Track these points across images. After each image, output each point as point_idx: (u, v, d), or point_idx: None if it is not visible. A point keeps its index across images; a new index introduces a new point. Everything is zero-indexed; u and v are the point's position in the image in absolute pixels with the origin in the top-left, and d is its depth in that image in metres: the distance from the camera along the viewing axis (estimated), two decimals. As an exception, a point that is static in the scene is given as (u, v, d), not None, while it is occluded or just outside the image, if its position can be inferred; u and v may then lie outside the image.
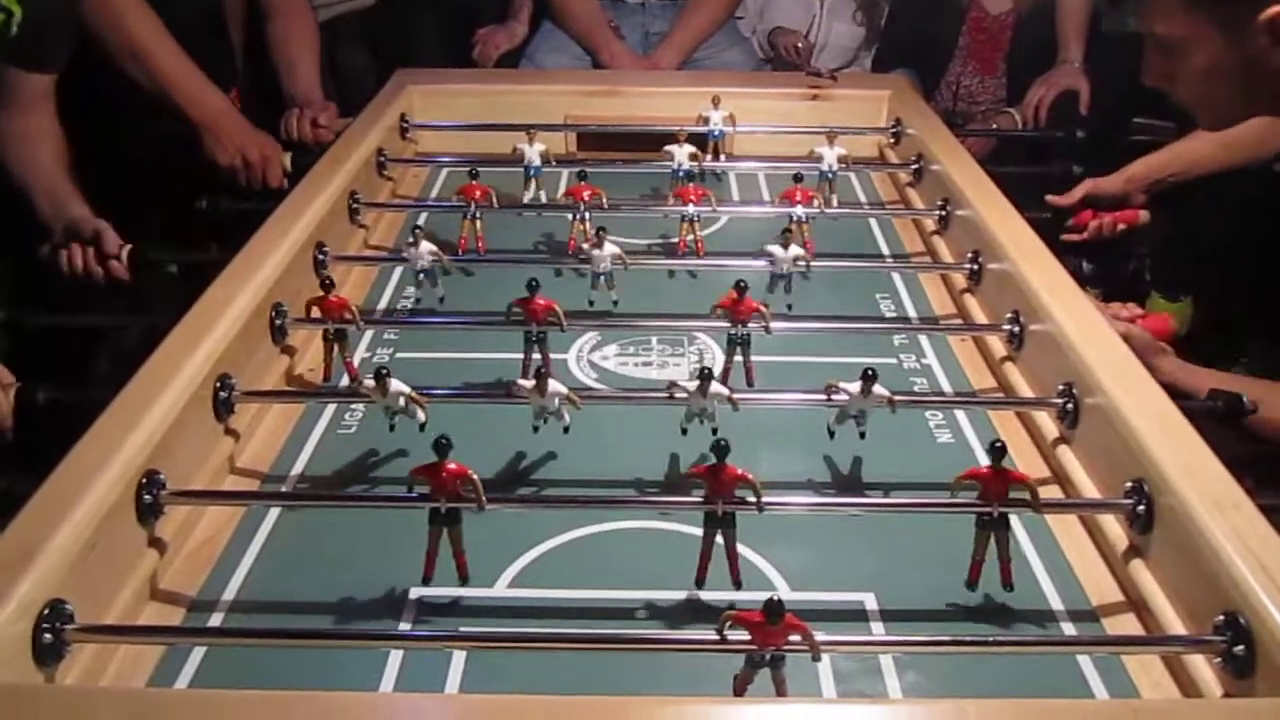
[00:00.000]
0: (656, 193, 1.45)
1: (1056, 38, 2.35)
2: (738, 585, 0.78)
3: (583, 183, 1.29)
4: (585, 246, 1.15)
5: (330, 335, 1.05)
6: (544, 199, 1.38)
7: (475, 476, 0.75)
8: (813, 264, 1.17)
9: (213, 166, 1.68)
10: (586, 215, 1.27)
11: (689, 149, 1.38)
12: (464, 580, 0.78)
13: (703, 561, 0.78)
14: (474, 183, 1.32)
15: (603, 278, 1.13)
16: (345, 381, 1.06)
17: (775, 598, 0.64)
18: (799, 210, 1.28)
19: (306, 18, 1.98)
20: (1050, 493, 0.94)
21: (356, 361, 1.11)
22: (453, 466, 0.75)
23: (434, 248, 1.15)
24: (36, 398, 1.04)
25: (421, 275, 1.16)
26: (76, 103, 1.58)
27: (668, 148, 1.39)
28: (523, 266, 1.29)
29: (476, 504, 0.76)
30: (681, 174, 1.38)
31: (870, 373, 0.88)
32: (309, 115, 1.80)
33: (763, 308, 1.01)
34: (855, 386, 0.89)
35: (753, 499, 0.76)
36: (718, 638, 0.67)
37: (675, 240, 1.30)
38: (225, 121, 1.68)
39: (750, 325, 1.01)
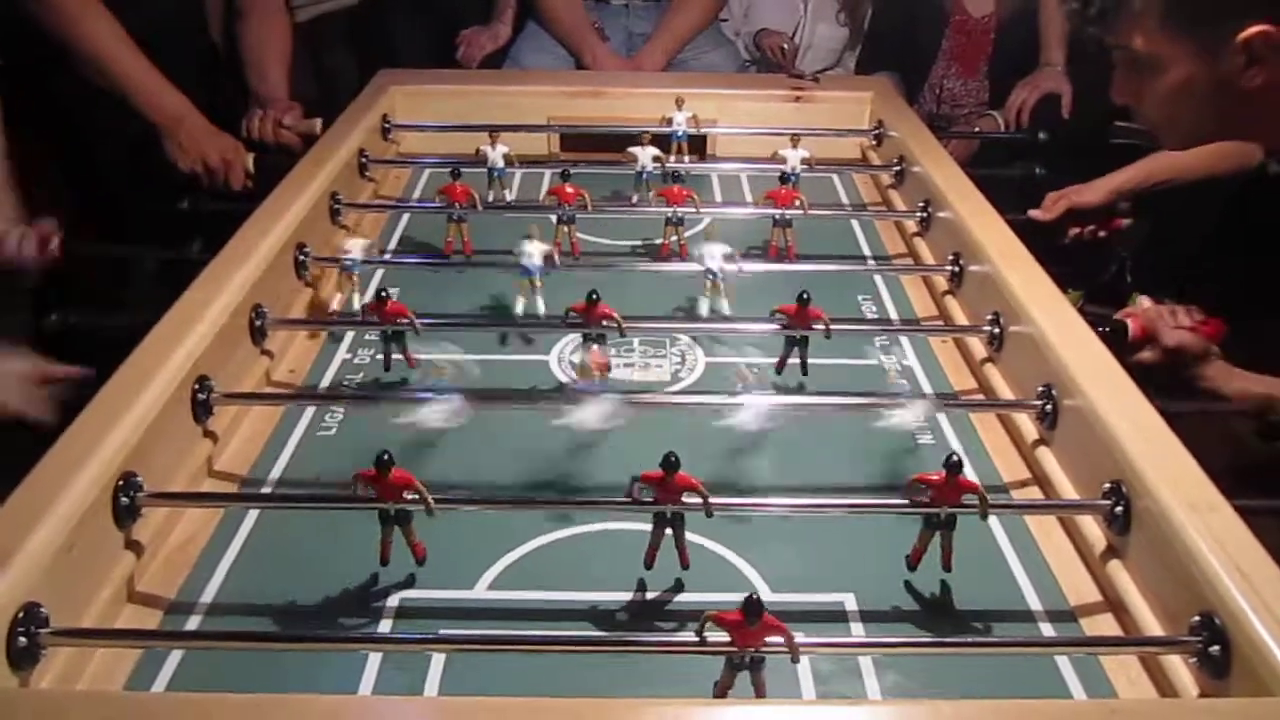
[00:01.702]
0: (618, 195, 1.44)
1: (1039, 41, 2.36)
2: (685, 566, 0.80)
3: (566, 183, 1.29)
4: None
5: (389, 335, 1.05)
6: (508, 198, 1.38)
7: (419, 483, 0.77)
8: (795, 266, 1.18)
9: (173, 169, 1.67)
10: (571, 218, 1.27)
11: (652, 150, 1.39)
12: (420, 562, 0.80)
13: (650, 553, 0.79)
14: (456, 183, 1.32)
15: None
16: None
17: (754, 596, 0.64)
18: (782, 212, 1.28)
19: (279, 17, 1.96)
20: (1029, 494, 0.94)
21: (337, 361, 1.12)
22: (396, 475, 0.77)
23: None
24: None
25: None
26: (51, 101, 1.57)
27: (631, 149, 1.39)
28: (508, 269, 1.29)
29: (425, 508, 0.77)
30: (645, 175, 1.38)
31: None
32: (272, 116, 1.79)
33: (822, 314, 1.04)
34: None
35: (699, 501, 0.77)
36: (697, 639, 0.67)
37: (659, 242, 1.30)
38: (186, 125, 1.67)
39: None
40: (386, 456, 0.76)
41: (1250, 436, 1.09)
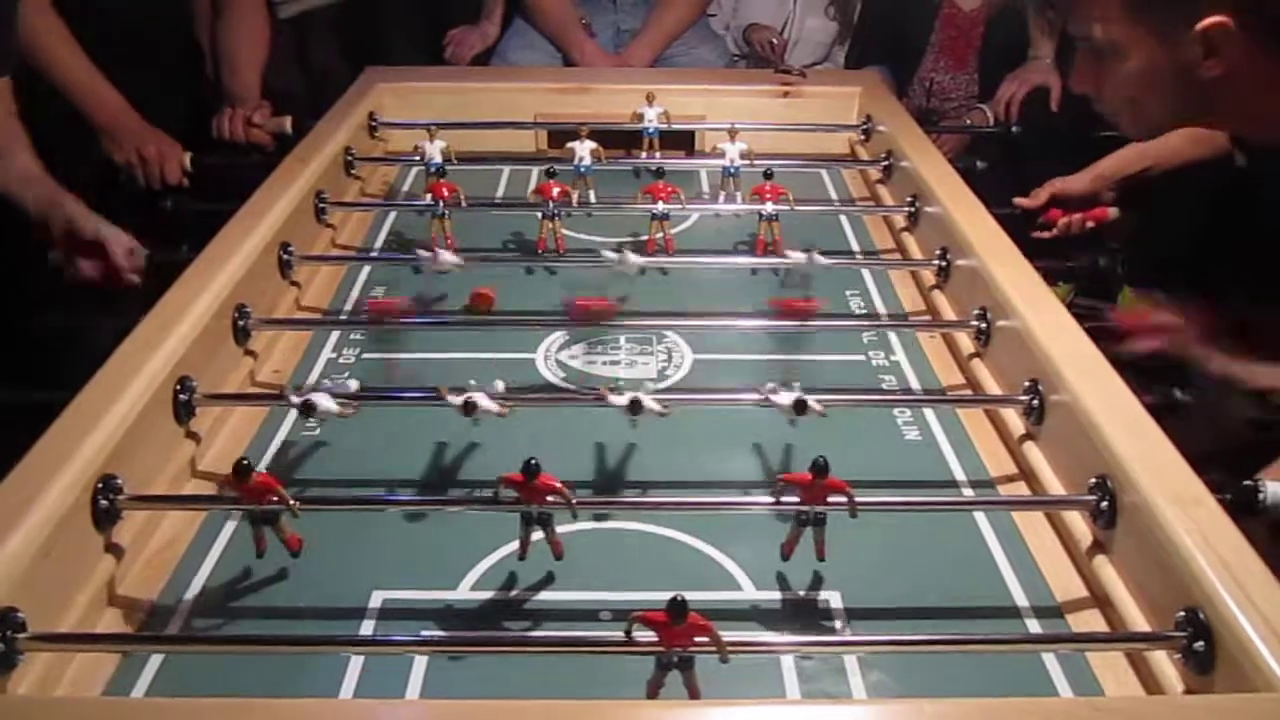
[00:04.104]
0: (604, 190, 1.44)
1: (1028, 34, 2.36)
2: (559, 557, 0.80)
3: (552, 180, 1.29)
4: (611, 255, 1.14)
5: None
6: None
7: (281, 487, 0.77)
8: (783, 258, 1.18)
9: (111, 164, 1.67)
10: (557, 214, 1.27)
11: (590, 145, 1.38)
12: (295, 554, 0.80)
13: (523, 547, 0.79)
14: (442, 181, 1.31)
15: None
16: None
17: (679, 597, 0.64)
18: (769, 207, 1.28)
19: (258, 16, 1.94)
20: (1016, 489, 0.94)
21: (322, 360, 1.11)
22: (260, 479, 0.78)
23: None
24: None
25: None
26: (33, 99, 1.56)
27: (570, 144, 1.39)
28: (493, 265, 1.28)
29: (289, 510, 0.78)
30: (583, 170, 1.37)
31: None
32: (242, 114, 1.78)
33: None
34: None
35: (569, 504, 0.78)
36: (626, 638, 0.67)
37: (645, 238, 1.29)
38: (123, 121, 1.67)
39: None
40: (245, 461, 0.77)
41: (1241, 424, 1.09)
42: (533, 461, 0.77)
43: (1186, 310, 1.21)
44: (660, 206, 1.27)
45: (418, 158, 1.41)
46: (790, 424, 0.90)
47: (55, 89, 1.63)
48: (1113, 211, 1.59)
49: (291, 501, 0.78)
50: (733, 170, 1.39)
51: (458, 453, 0.96)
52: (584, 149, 1.37)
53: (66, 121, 1.66)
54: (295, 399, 0.88)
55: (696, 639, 0.66)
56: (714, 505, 0.89)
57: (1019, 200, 1.56)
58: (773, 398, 0.89)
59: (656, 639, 0.66)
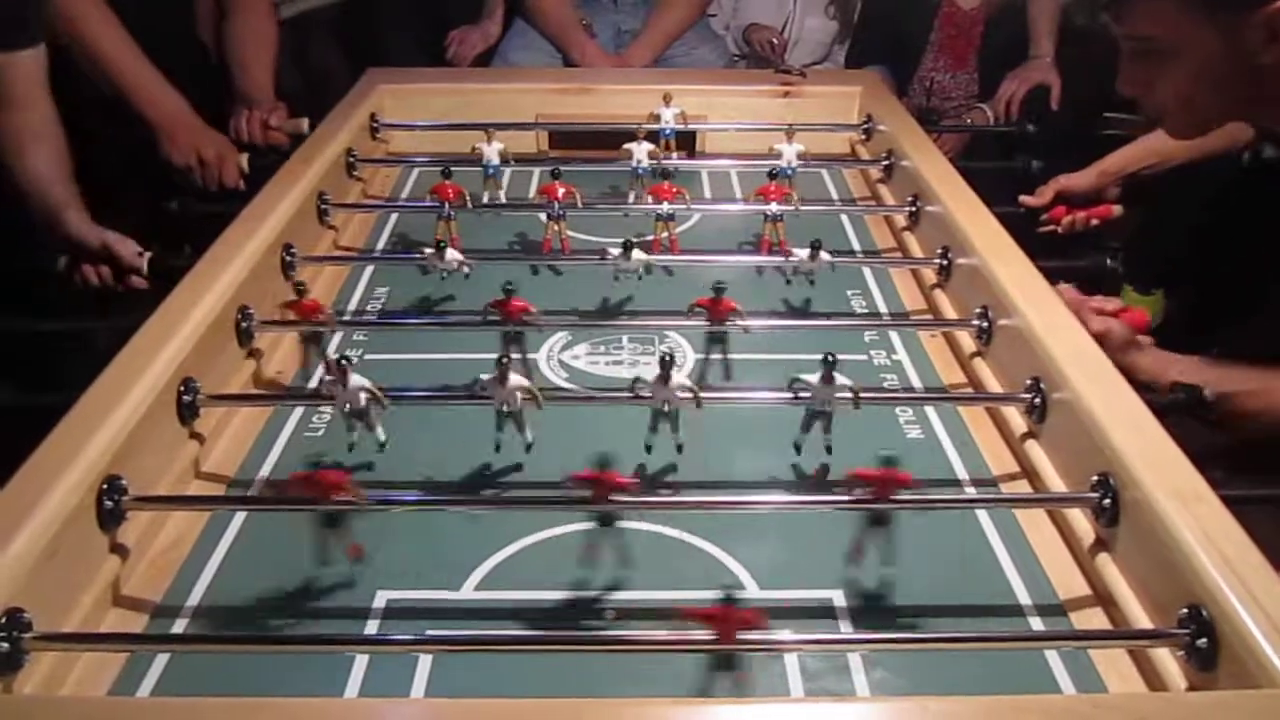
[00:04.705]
0: (616, 190, 1.46)
1: (1028, 33, 2.36)
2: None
3: (556, 181, 1.29)
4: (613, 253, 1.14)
5: (304, 338, 1.04)
6: (502, 198, 1.37)
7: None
8: (785, 260, 1.18)
9: (169, 166, 1.67)
10: (562, 214, 1.27)
11: (647, 146, 1.38)
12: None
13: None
14: (447, 182, 1.31)
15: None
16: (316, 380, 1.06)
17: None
18: (773, 207, 1.28)
19: (266, 17, 1.95)
20: (1018, 487, 0.94)
21: (325, 363, 1.11)
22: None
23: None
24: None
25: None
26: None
27: (627, 145, 1.39)
28: (498, 266, 1.28)
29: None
30: (641, 171, 1.37)
31: (830, 358, 0.88)
32: (259, 116, 1.79)
33: (738, 306, 1.00)
34: (816, 377, 0.88)
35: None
36: (678, 636, 0.67)
37: (650, 238, 1.29)
38: (181, 122, 1.68)
39: (727, 325, 1.01)
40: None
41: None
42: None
43: (1119, 314, 1.21)
44: (666, 207, 1.27)
45: (476, 159, 1.39)
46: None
47: (107, 86, 1.63)
48: (1117, 209, 1.59)
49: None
50: (790, 171, 1.38)
51: (463, 453, 0.96)
52: (641, 150, 1.38)
53: (107, 118, 1.66)
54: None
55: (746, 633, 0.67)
56: (717, 505, 0.89)
57: (1024, 198, 1.56)
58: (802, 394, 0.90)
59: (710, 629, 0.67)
